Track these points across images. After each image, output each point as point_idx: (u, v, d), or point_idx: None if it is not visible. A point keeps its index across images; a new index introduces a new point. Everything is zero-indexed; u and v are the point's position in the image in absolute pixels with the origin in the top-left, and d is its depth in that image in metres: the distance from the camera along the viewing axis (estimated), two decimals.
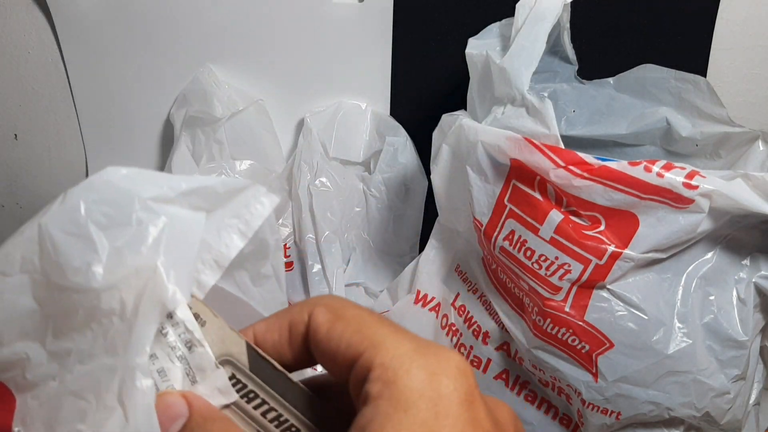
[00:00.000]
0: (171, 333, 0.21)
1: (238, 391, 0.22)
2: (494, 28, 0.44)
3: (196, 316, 0.21)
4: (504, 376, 0.46)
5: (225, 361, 0.22)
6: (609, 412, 0.39)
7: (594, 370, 0.38)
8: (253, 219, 0.23)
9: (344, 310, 0.21)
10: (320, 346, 0.21)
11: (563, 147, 0.36)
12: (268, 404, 0.22)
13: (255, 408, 0.22)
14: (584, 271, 0.36)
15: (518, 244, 0.39)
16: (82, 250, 0.20)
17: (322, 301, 0.22)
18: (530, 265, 0.38)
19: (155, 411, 0.20)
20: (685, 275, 0.37)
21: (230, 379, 0.22)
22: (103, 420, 0.20)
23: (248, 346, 0.22)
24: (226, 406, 0.22)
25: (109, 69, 0.59)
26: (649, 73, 0.48)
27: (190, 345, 0.21)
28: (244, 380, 0.22)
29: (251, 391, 0.22)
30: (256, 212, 0.23)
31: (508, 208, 0.39)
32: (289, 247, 0.60)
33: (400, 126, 0.60)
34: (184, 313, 0.21)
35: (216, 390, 0.21)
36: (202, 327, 0.21)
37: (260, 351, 0.22)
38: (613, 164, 0.34)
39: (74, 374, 0.21)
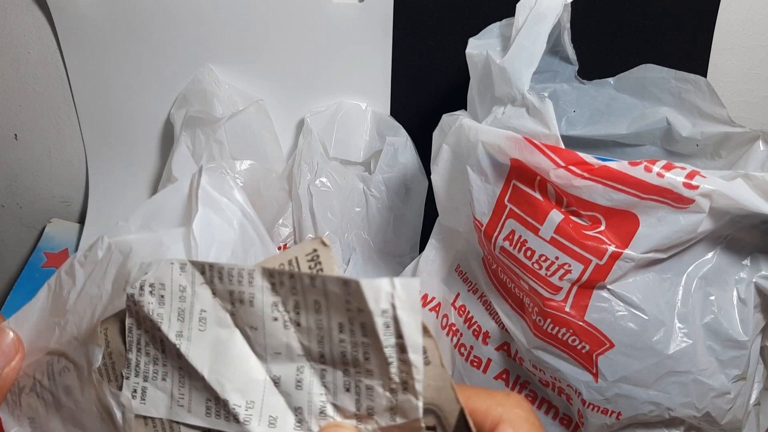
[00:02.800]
0: (395, 365, 0.19)
1: None
2: (494, 28, 0.44)
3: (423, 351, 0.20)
4: (504, 376, 0.46)
5: (429, 410, 0.20)
6: (609, 413, 0.39)
7: (594, 371, 0.38)
8: None
9: None
10: None
11: (563, 147, 0.36)
12: None
13: None
14: (584, 271, 0.36)
15: (518, 244, 0.39)
16: None
17: (511, 414, 0.21)
18: (530, 265, 0.38)
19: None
20: (685, 275, 0.37)
21: (428, 429, 0.20)
22: None
23: (462, 413, 0.20)
24: None
25: (109, 69, 0.59)
26: (649, 73, 0.48)
27: (405, 387, 0.20)
28: None
29: None
30: None
31: (508, 208, 0.39)
32: (289, 248, 0.60)
33: (400, 126, 0.60)
34: (416, 358, 0.19)
35: None
36: (425, 366, 0.20)
37: (472, 426, 0.20)
38: (613, 164, 0.34)
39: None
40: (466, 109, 0.46)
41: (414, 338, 0.19)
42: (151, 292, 0.21)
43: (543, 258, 0.38)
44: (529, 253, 0.38)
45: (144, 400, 0.21)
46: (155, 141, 0.63)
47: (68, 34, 0.58)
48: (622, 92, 0.50)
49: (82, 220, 0.66)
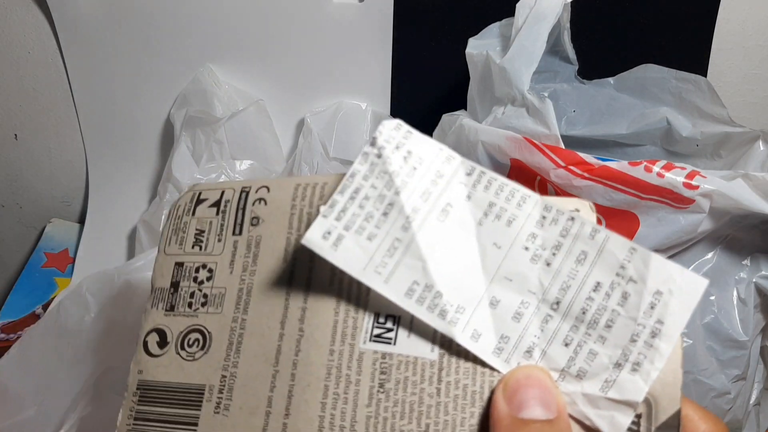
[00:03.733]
0: (639, 345, 0.19)
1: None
2: (494, 28, 0.44)
3: None
4: None
5: (644, 399, 0.20)
6: None
7: None
8: None
9: None
10: None
11: (563, 147, 0.36)
12: None
13: None
14: None
15: None
16: None
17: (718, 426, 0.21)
18: None
19: (515, 374, 0.19)
20: None
21: (636, 416, 0.20)
22: None
23: (678, 414, 0.20)
24: None
25: (109, 69, 0.59)
26: (649, 73, 0.48)
27: (636, 369, 0.19)
28: (643, 429, 0.20)
29: None
30: None
31: None
32: None
33: None
34: (666, 348, 0.19)
35: (610, 419, 0.19)
36: None
37: (681, 427, 0.20)
38: (613, 164, 0.34)
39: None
40: (466, 109, 0.46)
41: (674, 330, 0.19)
42: (405, 158, 0.20)
43: None
44: None
45: (336, 247, 0.20)
46: (155, 141, 0.63)
47: (68, 34, 0.58)
48: (622, 92, 0.50)
49: (82, 220, 0.66)
